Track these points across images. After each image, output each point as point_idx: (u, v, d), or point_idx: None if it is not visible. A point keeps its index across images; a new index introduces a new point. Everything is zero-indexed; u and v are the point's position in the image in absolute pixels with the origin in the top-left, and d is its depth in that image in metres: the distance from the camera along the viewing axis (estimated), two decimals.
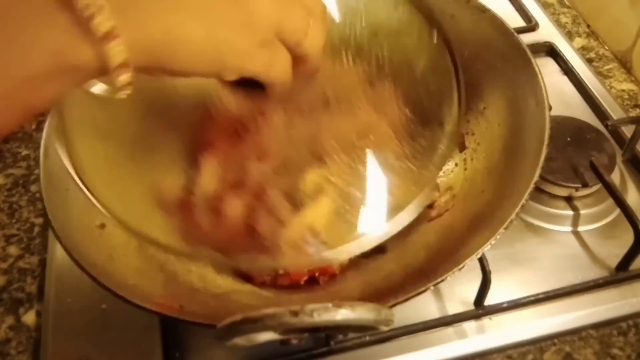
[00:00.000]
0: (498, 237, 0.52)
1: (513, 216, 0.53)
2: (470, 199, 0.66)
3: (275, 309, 0.40)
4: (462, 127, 0.72)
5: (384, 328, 0.44)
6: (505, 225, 0.53)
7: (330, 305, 0.40)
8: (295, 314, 0.40)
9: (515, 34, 0.67)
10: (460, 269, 0.51)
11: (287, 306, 0.40)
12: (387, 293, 0.58)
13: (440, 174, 0.73)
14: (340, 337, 0.63)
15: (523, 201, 0.54)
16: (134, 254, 0.64)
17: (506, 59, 0.68)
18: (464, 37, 0.73)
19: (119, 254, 0.62)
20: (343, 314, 0.40)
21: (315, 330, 0.44)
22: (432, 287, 0.51)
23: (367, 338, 0.64)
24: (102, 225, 0.63)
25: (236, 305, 0.61)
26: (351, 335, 0.64)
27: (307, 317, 0.40)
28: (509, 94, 0.67)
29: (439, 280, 0.51)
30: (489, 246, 0.52)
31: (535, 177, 0.55)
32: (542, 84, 0.62)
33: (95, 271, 0.53)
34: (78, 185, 0.62)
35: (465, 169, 0.71)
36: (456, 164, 0.72)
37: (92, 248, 0.59)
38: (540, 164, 0.56)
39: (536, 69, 0.64)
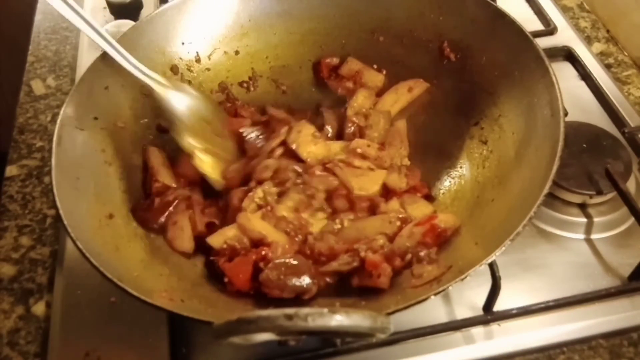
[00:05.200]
0: (503, 248, 0.52)
1: (520, 229, 0.52)
2: (480, 207, 0.66)
3: (270, 311, 0.40)
4: (474, 136, 0.72)
5: (381, 336, 0.43)
6: (511, 238, 0.52)
7: (325, 310, 0.39)
8: (289, 317, 0.39)
9: (535, 41, 0.66)
10: (462, 279, 0.51)
11: (282, 309, 0.40)
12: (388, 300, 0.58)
13: (451, 180, 0.72)
14: (345, 339, 0.63)
15: (531, 213, 0.53)
16: (140, 246, 0.64)
17: (524, 67, 0.67)
18: (483, 43, 0.72)
19: (125, 245, 0.62)
20: (338, 320, 0.39)
21: (312, 333, 0.43)
22: (432, 297, 0.50)
23: (374, 340, 0.64)
24: (111, 216, 0.63)
25: (238, 302, 0.61)
26: None
27: (301, 322, 0.39)
28: (525, 103, 0.66)
29: (440, 289, 0.51)
30: (493, 257, 0.52)
31: (545, 190, 0.54)
32: (558, 95, 0.61)
33: (99, 261, 0.53)
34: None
35: (477, 177, 0.70)
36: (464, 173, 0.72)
37: (99, 238, 0.59)
38: (551, 177, 0.55)
39: (554, 78, 0.62)
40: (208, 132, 0.73)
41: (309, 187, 0.69)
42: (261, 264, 0.62)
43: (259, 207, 0.68)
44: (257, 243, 0.65)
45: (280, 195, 0.69)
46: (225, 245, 0.65)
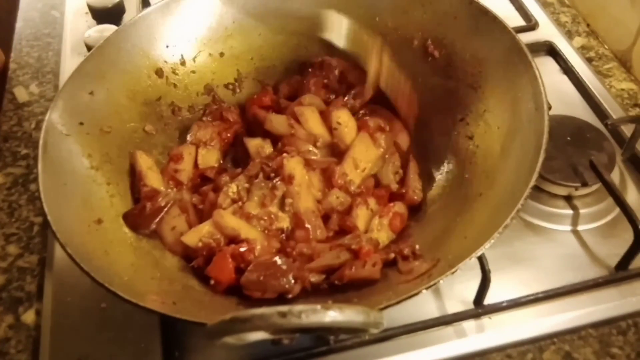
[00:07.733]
0: (492, 241, 0.52)
1: (508, 221, 0.53)
2: (468, 202, 0.66)
3: (263, 309, 0.40)
4: (460, 132, 0.72)
5: (374, 331, 0.43)
6: (499, 230, 0.53)
7: (318, 307, 0.40)
8: (283, 315, 0.39)
9: (517, 36, 0.67)
10: (453, 273, 0.51)
11: (275, 307, 0.40)
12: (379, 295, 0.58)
13: (439, 176, 0.73)
14: (339, 336, 0.63)
15: (518, 206, 0.54)
16: (130, 250, 0.64)
17: (507, 62, 0.67)
18: (467, 40, 0.73)
19: (115, 249, 0.61)
20: (331, 316, 0.40)
21: (305, 331, 0.43)
22: (424, 291, 0.51)
23: (367, 337, 0.64)
24: (99, 221, 0.63)
25: (230, 302, 0.61)
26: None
27: (295, 319, 0.39)
28: (509, 98, 0.67)
29: (431, 283, 0.51)
30: (483, 250, 0.52)
31: (532, 183, 0.55)
32: (542, 89, 0.62)
33: (89, 266, 0.53)
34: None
35: (464, 172, 0.70)
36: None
37: (88, 243, 0.59)
38: (537, 169, 0.56)
39: (537, 72, 0.63)
40: None
41: (270, 181, 0.69)
42: (242, 265, 0.62)
43: (233, 201, 0.69)
44: (232, 240, 0.65)
45: (248, 192, 0.69)
46: (200, 244, 0.64)
